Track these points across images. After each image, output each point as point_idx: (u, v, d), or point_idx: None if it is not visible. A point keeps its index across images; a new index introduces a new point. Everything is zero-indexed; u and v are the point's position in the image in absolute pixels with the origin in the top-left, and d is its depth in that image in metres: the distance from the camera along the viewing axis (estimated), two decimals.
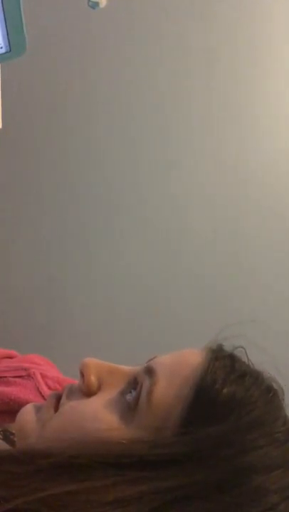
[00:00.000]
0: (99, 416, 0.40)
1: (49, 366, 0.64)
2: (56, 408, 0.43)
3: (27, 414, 0.44)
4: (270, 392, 0.41)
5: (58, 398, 0.44)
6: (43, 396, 0.57)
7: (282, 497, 0.37)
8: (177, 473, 0.36)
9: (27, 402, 0.55)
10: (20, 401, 0.55)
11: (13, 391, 0.56)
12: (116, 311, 1.32)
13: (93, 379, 0.44)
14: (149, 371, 0.42)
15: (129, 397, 0.41)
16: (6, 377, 0.59)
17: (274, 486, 0.37)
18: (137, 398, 0.41)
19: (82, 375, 0.44)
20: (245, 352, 0.44)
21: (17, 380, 0.58)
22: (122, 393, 0.42)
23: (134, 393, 0.41)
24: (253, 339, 0.46)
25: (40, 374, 0.59)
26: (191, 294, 1.33)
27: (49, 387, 0.59)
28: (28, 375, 0.59)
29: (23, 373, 0.59)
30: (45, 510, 0.34)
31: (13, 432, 0.51)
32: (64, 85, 1.28)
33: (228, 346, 0.45)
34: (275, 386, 0.43)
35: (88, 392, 0.43)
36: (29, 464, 0.36)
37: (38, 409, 0.44)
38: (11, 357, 0.67)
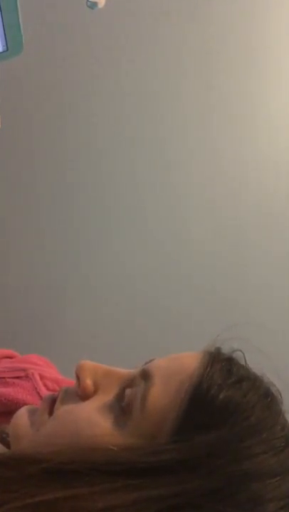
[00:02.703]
0: (92, 421, 0.40)
1: (48, 367, 0.64)
2: (50, 412, 0.43)
3: (21, 418, 0.44)
4: (268, 397, 0.40)
5: (53, 401, 0.44)
6: (41, 397, 0.56)
7: (279, 506, 0.36)
8: (170, 481, 0.35)
9: (24, 403, 0.54)
10: (18, 402, 0.55)
11: (11, 392, 0.55)
12: (115, 312, 1.31)
13: (89, 382, 0.43)
14: (145, 375, 0.42)
15: (124, 401, 0.41)
16: (4, 377, 0.58)
17: (270, 494, 0.36)
18: (132, 403, 0.40)
19: (78, 377, 0.44)
20: (244, 355, 0.43)
21: (15, 380, 0.58)
22: (118, 397, 0.42)
23: (129, 397, 0.41)
24: (252, 342, 0.45)
25: (39, 375, 0.59)
26: (190, 295, 1.32)
27: (48, 388, 0.58)
28: (27, 376, 0.58)
29: (22, 374, 0.59)
30: None
31: None
32: (61, 85, 1.27)
33: (227, 349, 0.44)
34: (273, 391, 0.42)
35: (83, 396, 0.43)
36: (19, 469, 0.36)
37: (32, 413, 0.44)
38: (10, 357, 0.66)
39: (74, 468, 0.35)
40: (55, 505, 0.34)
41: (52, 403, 0.43)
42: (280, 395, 0.42)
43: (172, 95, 1.29)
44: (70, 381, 0.58)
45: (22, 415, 0.44)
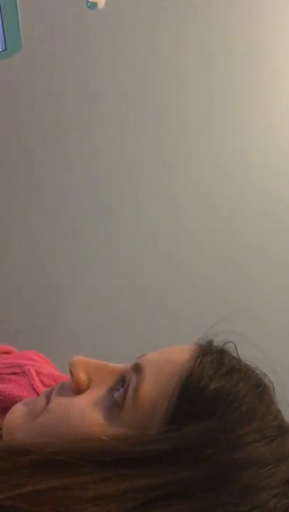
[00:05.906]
0: (85, 413, 0.40)
1: (45, 363, 0.64)
2: (47, 401, 0.43)
3: (16, 410, 0.44)
4: (259, 387, 0.40)
5: (51, 393, 0.44)
6: (37, 393, 0.56)
7: (272, 494, 0.36)
8: (160, 471, 0.35)
9: (20, 399, 0.54)
10: (14, 398, 0.55)
11: (7, 388, 0.55)
12: (114, 311, 1.32)
13: (82, 376, 0.43)
14: (137, 368, 0.42)
15: (116, 394, 0.41)
16: (0, 373, 0.58)
17: (263, 483, 0.36)
18: (124, 396, 0.40)
19: (71, 372, 0.44)
20: (235, 347, 0.44)
21: (12, 376, 0.58)
22: (111, 391, 0.42)
23: (121, 391, 0.41)
24: (247, 337, 0.45)
25: (36, 371, 0.59)
26: (189, 294, 1.32)
27: (44, 384, 0.58)
28: (23, 372, 0.58)
29: (18, 370, 0.59)
30: (25, 506, 0.34)
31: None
32: (60, 84, 1.28)
33: (219, 342, 0.44)
34: (266, 381, 0.42)
35: (77, 390, 0.43)
36: (8, 460, 0.36)
37: (27, 404, 0.44)
38: (7, 353, 0.66)
39: (64, 459, 0.36)
40: (45, 495, 0.34)
41: (49, 394, 0.44)
42: (273, 385, 0.42)
43: (172, 95, 1.30)
44: (67, 378, 0.58)
45: (18, 407, 0.44)
